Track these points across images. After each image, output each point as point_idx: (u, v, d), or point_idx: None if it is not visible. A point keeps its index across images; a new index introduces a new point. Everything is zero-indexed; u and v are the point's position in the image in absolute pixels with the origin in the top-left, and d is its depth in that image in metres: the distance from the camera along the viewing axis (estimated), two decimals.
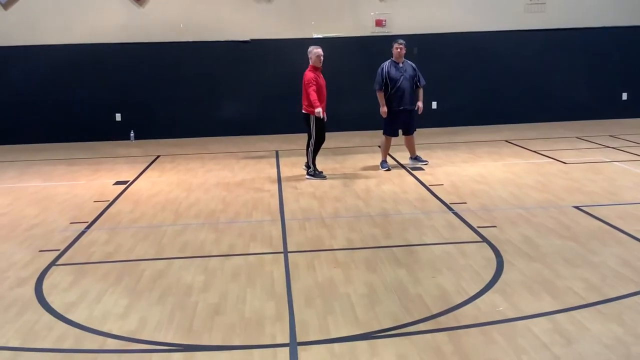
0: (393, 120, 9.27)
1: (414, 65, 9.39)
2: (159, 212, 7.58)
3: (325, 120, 9.04)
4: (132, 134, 13.26)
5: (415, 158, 9.66)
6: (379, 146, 9.67)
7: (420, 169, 9.33)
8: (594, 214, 6.82)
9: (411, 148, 9.66)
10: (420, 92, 9.38)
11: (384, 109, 9.18)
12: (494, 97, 13.71)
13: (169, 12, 13.02)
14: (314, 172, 9.12)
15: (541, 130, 12.72)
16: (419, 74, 9.34)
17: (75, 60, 13.01)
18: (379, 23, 13.38)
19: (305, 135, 9.18)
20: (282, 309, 4.68)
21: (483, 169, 9.34)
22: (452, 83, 13.26)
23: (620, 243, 5.87)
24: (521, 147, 11.04)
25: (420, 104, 9.32)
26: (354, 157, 10.57)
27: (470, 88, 13.34)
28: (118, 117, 13.35)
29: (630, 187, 7.94)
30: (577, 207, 7.10)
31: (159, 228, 6.93)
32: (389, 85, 9.14)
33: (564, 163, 9.51)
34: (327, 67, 13.24)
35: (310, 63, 8.97)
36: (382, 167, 9.40)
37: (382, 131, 9.47)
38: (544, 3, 13.57)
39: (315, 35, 13.35)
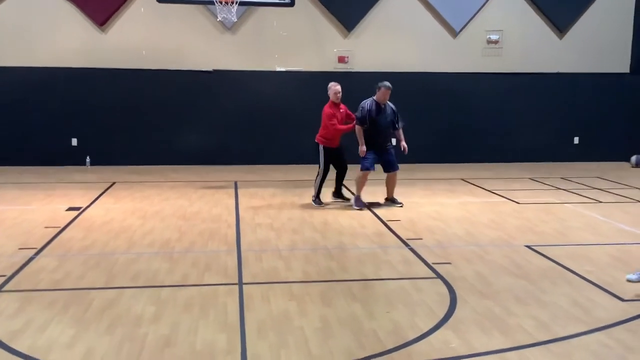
0: (370, 157, 9.12)
1: (393, 107, 9.28)
2: (112, 240, 7.43)
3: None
4: (87, 160, 13.03)
5: (392, 200, 9.46)
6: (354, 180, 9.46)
7: (378, 203, 9.40)
8: (545, 253, 6.96)
9: (391, 188, 9.45)
10: (400, 132, 9.32)
11: (363, 148, 9.05)
12: (451, 136, 14.01)
13: (131, 38, 12.97)
14: (315, 198, 9.42)
15: (496, 170, 13.02)
16: (398, 115, 9.28)
17: (33, 83, 12.81)
18: (341, 59, 13.60)
19: (311, 165, 9.56)
20: (235, 342, 4.61)
21: (439, 206, 9.47)
22: (411, 121, 13.49)
23: (570, 283, 6.00)
24: (477, 186, 11.26)
25: (404, 144, 9.18)
26: (312, 190, 10.57)
27: (429, 127, 13.61)
28: (74, 141, 13.13)
29: (580, 229, 8.16)
30: (528, 247, 7.25)
31: (111, 256, 6.78)
32: (369, 125, 9.02)
33: (517, 203, 9.73)
34: (289, 101, 13.47)
35: (330, 99, 9.29)
36: (356, 206, 9.14)
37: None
38: (501, 47, 14.03)
39: (278, 68, 13.49)
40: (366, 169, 9.18)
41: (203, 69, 13.26)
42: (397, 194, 9.49)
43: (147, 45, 13.03)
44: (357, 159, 9.24)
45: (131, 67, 13.03)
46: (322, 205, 9.34)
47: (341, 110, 9.36)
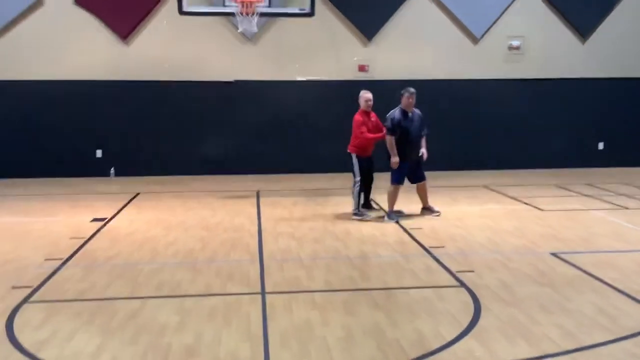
0: (402, 169, 8.96)
1: (420, 114, 9.15)
2: (136, 251, 7.51)
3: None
4: (112, 171, 13.21)
5: (428, 208, 9.35)
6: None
7: (401, 212, 9.35)
8: (569, 260, 6.88)
9: (424, 197, 9.35)
10: (424, 140, 9.16)
11: (395, 159, 8.84)
12: (473, 143, 13.92)
13: (154, 51, 13.14)
14: (357, 211, 9.17)
15: (519, 177, 12.90)
16: (424, 123, 9.15)
17: (58, 95, 13.02)
18: (361, 68, 13.62)
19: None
20: (258, 351, 4.62)
21: (462, 213, 9.41)
22: (432, 129, 13.45)
23: (595, 291, 5.92)
24: (499, 193, 11.17)
25: (424, 150, 9.07)
26: (334, 198, 10.60)
27: (451, 134, 13.54)
28: (99, 153, 13.32)
29: (606, 235, 8.04)
30: (553, 254, 7.16)
31: (135, 266, 6.85)
32: (399, 134, 8.85)
33: (541, 210, 9.62)
34: (309, 110, 13.51)
35: (360, 107, 9.20)
36: (391, 219, 8.92)
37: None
38: (522, 54, 13.93)
39: (298, 78, 13.55)
40: (397, 182, 9.02)
41: (225, 80, 13.37)
42: (418, 202, 9.43)
43: (170, 57, 13.19)
44: (385, 169, 9.09)
45: (154, 79, 13.20)
46: (367, 216, 9.08)
47: (372, 119, 9.22)
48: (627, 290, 5.87)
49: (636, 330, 4.95)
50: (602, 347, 4.67)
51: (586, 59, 14.07)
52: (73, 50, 13.02)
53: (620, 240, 7.80)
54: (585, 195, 10.80)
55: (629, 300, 5.63)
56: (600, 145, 14.36)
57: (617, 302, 5.60)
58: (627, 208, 9.73)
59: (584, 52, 14.09)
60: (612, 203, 10.12)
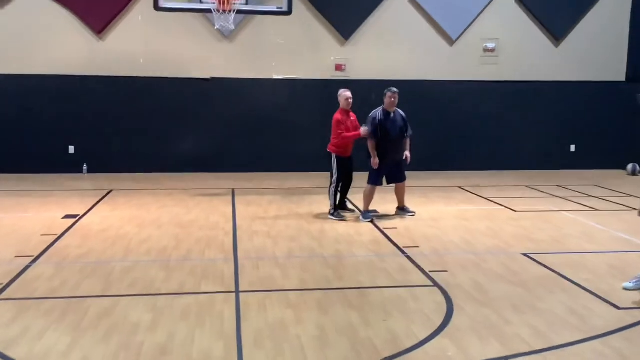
0: (380, 170, 8.95)
1: (403, 114, 9.11)
2: (109, 248, 7.42)
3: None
4: (85, 167, 13.03)
5: (403, 209, 9.37)
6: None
7: (376, 211, 9.39)
8: (541, 261, 6.97)
9: (401, 197, 9.35)
10: (407, 141, 9.12)
11: (375, 160, 8.81)
12: (448, 144, 14.05)
13: (129, 46, 13.00)
14: (334, 211, 9.11)
15: (493, 178, 13.05)
16: (408, 123, 9.10)
17: (31, 90, 12.81)
18: (338, 67, 13.64)
19: (324, 173, 9.31)
20: (231, 350, 4.60)
21: (436, 214, 9.48)
22: None
23: (566, 291, 6.01)
24: (473, 193, 11.28)
25: (407, 153, 9.05)
26: (310, 197, 10.60)
27: (426, 134, 13.59)
28: (71, 149, 13.13)
29: (577, 237, 8.17)
30: (525, 255, 7.26)
31: (107, 264, 6.77)
32: (380, 135, 8.82)
33: (514, 211, 9.74)
34: (286, 109, 13.49)
35: (340, 106, 9.11)
36: (365, 219, 8.90)
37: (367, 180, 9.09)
38: (497, 56, 14.08)
39: (275, 76, 13.52)
40: (375, 183, 9.01)
41: (201, 77, 13.29)
42: (395, 201, 9.48)
43: (145, 53, 13.07)
44: (364, 168, 9.09)
45: (129, 75, 13.06)
46: (343, 218, 9.02)
47: (352, 119, 9.13)
48: (596, 291, 5.98)
49: (605, 330, 5.04)
50: (572, 347, 4.74)
51: (559, 62, 14.27)
52: (46, 44, 12.81)
53: (592, 242, 7.94)
54: (557, 197, 10.97)
55: (599, 301, 5.73)
56: (572, 148, 14.59)
57: (587, 302, 5.69)
58: (597, 210, 9.90)
59: (558, 55, 14.30)
60: (583, 205, 10.29)
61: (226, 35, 13.23)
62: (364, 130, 8.83)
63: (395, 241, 7.83)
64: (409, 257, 7.11)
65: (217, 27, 11.39)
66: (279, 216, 9.27)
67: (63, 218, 8.93)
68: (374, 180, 9.04)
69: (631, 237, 8.08)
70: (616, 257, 7.19)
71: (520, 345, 4.74)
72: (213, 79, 13.34)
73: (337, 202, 9.32)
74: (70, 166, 13.01)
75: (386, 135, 8.88)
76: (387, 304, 5.61)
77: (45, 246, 7.40)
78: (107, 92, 13.07)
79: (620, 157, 14.26)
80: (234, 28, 11.65)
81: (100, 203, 10.13)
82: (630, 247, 7.65)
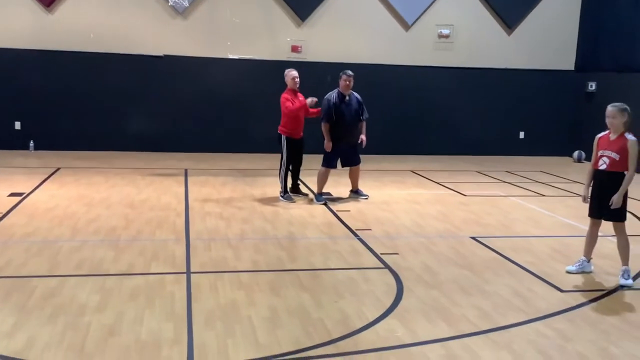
0: (335, 153, 8.96)
1: (359, 97, 9.10)
2: (56, 227, 7.24)
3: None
4: (31, 144, 12.65)
5: (356, 192, 9.42)
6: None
7: (329, 194, 9.43)
8: (489, 245, 7.15)
9: (355, 180, 9.39)
10: (363, 125, 9.13)
11: (329, 144, 8.84)
12: (401, 128, 14.18)
13: (79, 20, 12.62)
14: (284, 194, 9.05)
15: (444, 163, 13.26)
16: (364, 106, 9.11)
17: None
18: (295, 49, 13.57)
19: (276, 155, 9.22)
20: (181, 331, 4.57)
21: (389, 197, 9.59)
22: None
23: (511, 274, 6.18)
24: (425, 178, 11.44)
25: (363, 137, 9.08)
26: (264, 179, 10.57)
27: (379, 118, 13.68)
28: (17, 125, 12.72)
29: (523, 221, 8.40)
30: (473, 238, 7.42)
31: (54, 244, 6.61)
32: (335, 118, 8.81)
33: (464, 195, 9.94)
34: (240, 89, 13.36)
35: (288, 86, 8.96)
36: (319, 201, 8.92)
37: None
38: (452, 42, 14.25)
39: (230, 56, 13.36)
40: (328, 165, 9.02)
41: (153, 54, 13.01)
42: (348, 184, 9.54)
43: (96, 28, 12.71)
44: (318, 151, 9.09)
45: (78, 50, 12.69)
46: (293, 200, 8.98)
47: (300, 99, 9.01)
48: (540, 274, 6.17)
49: (548, 312, 5.21)
50: (516, 328, 4.89)
51: (511, 50, 14.54)
52: None
53: (537, 226, 8.17)
54: (506, 182, 11.23)
55: (543, 284, 5.91)
56: (521, 135, 14.94)
57: (532, 285, 5.87)
58: (543, 195, 10.19)
59: (510, 43, 14.56)
60: (530, 190, 10.56)
61: (180, 12, 12.98)
62: (310, 100, 8.80)
63: (348, 224, 7.89)
64: (361, 240, 7.17)
65: (170, 3, 11.18)
66: (232, 197, 9.21)
67: (8, 196, 8.66)
68: (328, 163, 9.06)
69: (575, 222, 8.34)
70: (560, 241, 7.43)
71: (466, 326, 4.86)
72: (166, 56, 13.08)
73: (291, 185, 9.32)
74: (16, 142, 12.61)
75: (341, 118, 8.88)
76: (338, 286, 5.66)
77: None
78: (55, 67, 12.67)
79: (567, 144, 14.68)
80: (187, 5, 11.48)
81: (47, 181, 9.86)
82: (574, 232, 7.90)
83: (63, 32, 12.58)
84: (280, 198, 9.10)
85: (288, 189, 9.19)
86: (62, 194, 8.95)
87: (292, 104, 8.84)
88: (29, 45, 12.50)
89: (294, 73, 9.01)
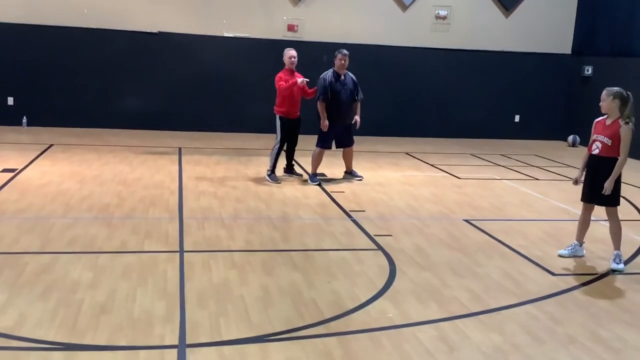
0: (330, 133, 8.92)
1: (354, 78, 9.05)
2: (48, 204, 7.22)
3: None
4: (24, 120, 12.55)
5: (350, 172, 9.41)
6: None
7: (323, 174, 9.42)
8: (481, 227, 7.17)
9: (349, 161, 9.37)
10: (358, 105, 9.09)
11: (325, 123, 8.79)
12: (397, 110, 14.14)
13: None
14: (271, 172, 8.98)
15: (439, 145, 13.25)
16: (359, 87, 9.05)
17: None
18: (291, 28, 13.46)
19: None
20: (174, 310, 4.58)
21: (383, 179, 9.59)
22: None
23: (503, 256, 6.21)
24: (420, 160, 11.44)
25: (357, 117, 9.04)
26: (258, 159, 10.54)
27: (376, 100, 13.64)
28: (10, 100, 12.61)
29: (516, 204, 8.42)
30: (466, 221, 7.44)
31: (46, 220, 6.59)
32: (330, 97, 8.76)
33: (458, 178, 9.94)
34: (236, 68, 13.26)
35: (285, 66, 8.89)
36: (313, 182, 8.90)
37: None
38: (449, 23, 14.16)
39: (225, 34, 13.24)
40: (323, 146, 8.99)
41: (148, 31, 12.88)
42: (343, 166, 9.53)
43: (89, 3, 12.54)
44: (313, 131, 9.05)
45: (72, 25, 12.54)
46: (278, 181, 8.92)
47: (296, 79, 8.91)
48: (531, 257, 6.20)
49: (539, 295, 5.25)
50: (507, 310, 4.92)
51: (508, 33, 14.46)
52: None
53: (530, 210, 8.19)
54: (500, 166, 11.24)
55: (533, 266, 5.95)
56: (517, 118, 14.92)
57: (523, 268, 5.90)
58: (537, 179, 10.21)
59: (507, 25, 14.48)
60: (524, 174, 10.58)
61: None
62: (301, 80, 8.73)
63: (342, 205, 7.89)
64: (354, 221, 7.18)
65: None
66: (227, 177, 9.19)
67: (1, 172, 8.61)
68: (323, 144, 9.03)
69: (568, 206, 8.37)
70: (553, 225, 7.46)
71: (457, 308, 4.89)
72: (160, 33, 12.96)
73: (286, 166, 9.30)
74: (9, 118, 12.49)
75: (336, 97, 8.84)
76: (331, 267, 5.68)
77: None
78: (49, 43, 12.53)
79: (562, 128, 14.68)
80: None
81: (40, 157, 9.81)
82: (566, 215, 7.93)
83: (56, 7, 12.41)
84: (267, 177, 9.03)
85: (275, 170, 9.09)
86: (54, 171, 8.91)
87: (286, 84, 8.78)
88: (22, 20, 12.34)
89: (292, 52, 8.95)
